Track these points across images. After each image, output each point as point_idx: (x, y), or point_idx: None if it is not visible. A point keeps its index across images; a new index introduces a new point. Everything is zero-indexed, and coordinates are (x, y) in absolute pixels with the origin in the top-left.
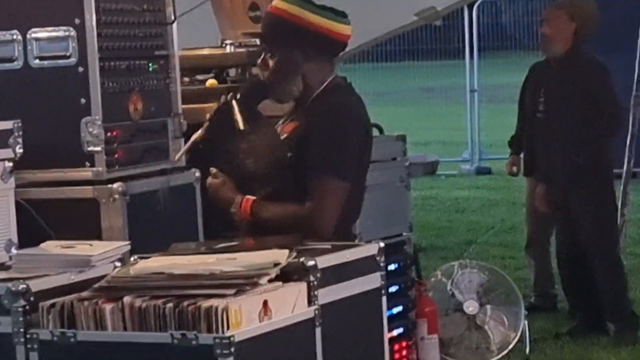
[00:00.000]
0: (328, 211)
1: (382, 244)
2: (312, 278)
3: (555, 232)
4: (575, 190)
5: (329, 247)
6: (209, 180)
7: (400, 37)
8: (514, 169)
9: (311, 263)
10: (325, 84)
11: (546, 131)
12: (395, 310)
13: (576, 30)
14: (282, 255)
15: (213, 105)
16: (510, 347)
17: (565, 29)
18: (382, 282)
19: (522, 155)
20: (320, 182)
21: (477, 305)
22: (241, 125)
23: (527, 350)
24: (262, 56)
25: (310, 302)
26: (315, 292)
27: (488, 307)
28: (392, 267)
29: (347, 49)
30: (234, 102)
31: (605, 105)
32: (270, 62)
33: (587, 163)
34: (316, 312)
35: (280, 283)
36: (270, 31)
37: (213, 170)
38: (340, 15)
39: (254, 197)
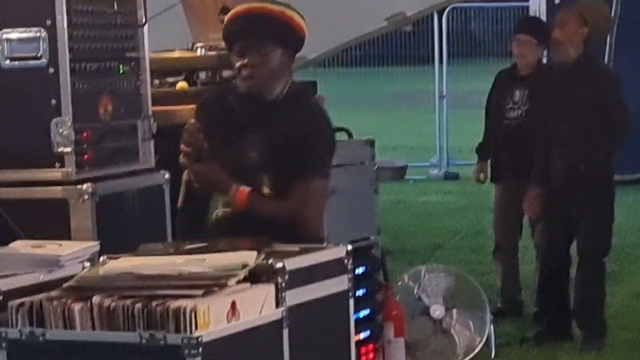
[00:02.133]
0: (321, 211)
1: (350, 247)
2: (280, 280)
3: (542, 236)
4: (576, 196)
5: (297, 249)
6: (196, 166)
7: (370, 42)
8: (481, 176)
9: (279, 265)
10: (288, 86)
11: (547, 135)
12: (362, 313)
13: (588, 35)
14: (250, 257)
15: (183, 108)
16: (476, 351)
17: (578, 33)
18: (350, 285)
19: (489, 162)
20: (315, 183)
21: (444, 310)
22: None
23: (493, 354)
24: (241, 57)
25: (278, 303)
26: (283, 294)
27: (454, 311)
28: (359, 270)
29: (317, 53)
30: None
31: (615, 114)
32: (256, 61)
33: (589, 170)
34: (284, 313)
35: (248, 284)
36: (257, 29)
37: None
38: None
39: (249, 188)
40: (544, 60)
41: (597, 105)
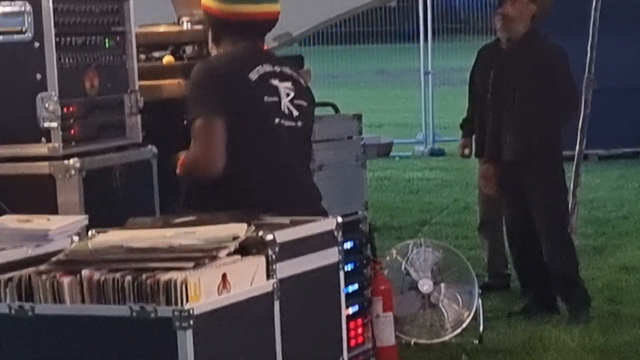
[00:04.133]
0: (205, 148)
1: (339, 219)
2: (270, 252)
3: (505, 213)
4: (527, 170)
5: (288, 221)
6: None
7: (355, 19)
8: (466, 151)
9: (270, 237)
10: None
11: (497, 111)
12: (351, 288)
13: (536, 12)
14: (240, 229)
15: (169, 83)
16: (464, 325)
17: (527, 10)
18: (340, 257)
19: (473, 137)
20: (192, 126)
21: (432, 284)
22: None
23: (481, 328)
24: None
25: (269, 275)
26: (274, 266)
27: (442, 285)
28: (347, 245)
29: (302, 30)
30: None
31: (564, 88)
32: None
33: (540, 143)
34: (275, 285)
35: (239, 256)
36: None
37: None
38: None
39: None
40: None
41: (546, 81)
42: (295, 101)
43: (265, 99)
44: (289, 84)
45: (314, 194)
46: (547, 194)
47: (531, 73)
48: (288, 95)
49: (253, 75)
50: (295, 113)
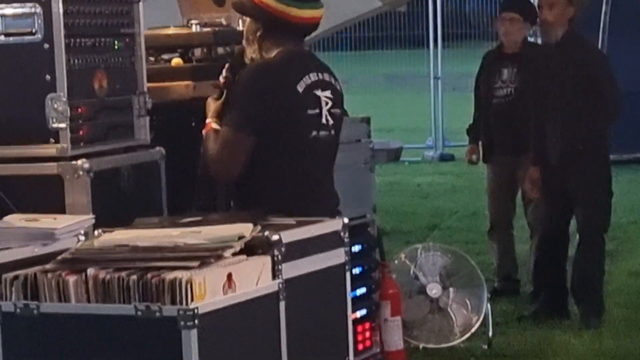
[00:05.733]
0: (225, 158)
1: (346, 220)
2: (276, 252)
3: (539, 214)
4: (572, 173)
5: (294, 222)
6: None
7: (365, 24)
8: (474, 157)
9: (275, 237)
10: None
11: (539, 115)
12: (359, 291)
13: (573, 14)
14: (246, 229)
15: (178, 85)
16: (473, 330)
17: (565, 14)
18: (347, 258)
19: (480, 143)
20: (222, 130)
21: (440, 288)
22: None
23: (490, 333)
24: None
25: (274, 276)
26: (280, 266)
27: (451, 290)
28: (356, 248)
29: (311, 35)
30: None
31: (607, 90)
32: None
33: (585, 147)
34: (280, 286)
35: (244, 256)
36: (241, 3)
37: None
38: (305, 1)
39: (216, 127)
40: (535, 40)
41: (588, 83)
42: (332, 110)
43: (309, 111)
44: (328, 93)
45: (333, 201)
46: (593, 199)
47: (573, 76)
48: (327, 104)
49: (300, 87)
50: (331, 122)
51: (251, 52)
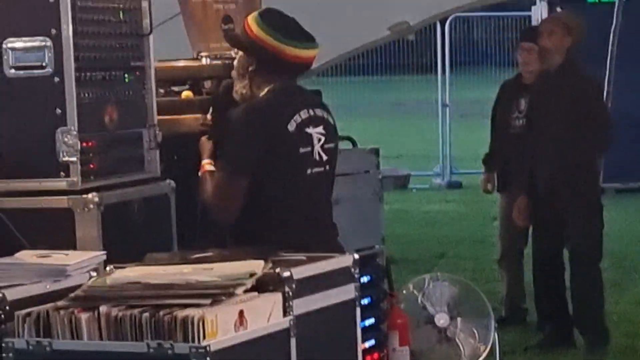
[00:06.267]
0: (221, 200)
1: (356, 256)
2: (287, 289)
3: (533, 243)
4: (563, 201)
5: (304, 258)
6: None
7: (374, 51)
8: (489, 186)
9: (287, 274)
10: (262, 94)
11: (532, 143)
12: (368, 322)
13: (571, 43)
14: (257, 266)
15: (188, 117)
16: (480, 359)
17: (563, 42)
18: (357, 294)
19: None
20: (219, 171)
21: (448, 318)
22: None
23: None
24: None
25: (285, 312)
26: (291, 303)
27: (459, 319)
28: (364, 279)
29: (321, 62)
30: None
31: (599, 119)
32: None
33: (576, 175)
34: (291, 322)
35: (255, 293)
36: (237, 37)
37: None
38: (302, 41)
39: (210, 169)
40: None
41: (581, 110)
42: (325, 145)
43: (301, 150)
44: (320, 129)
45: (331, 232)
46: (584, 228)
47: (567, 104)
48: (320, 140)
49: (291, 127)
50: (325, 158)
51: (241, 87)
